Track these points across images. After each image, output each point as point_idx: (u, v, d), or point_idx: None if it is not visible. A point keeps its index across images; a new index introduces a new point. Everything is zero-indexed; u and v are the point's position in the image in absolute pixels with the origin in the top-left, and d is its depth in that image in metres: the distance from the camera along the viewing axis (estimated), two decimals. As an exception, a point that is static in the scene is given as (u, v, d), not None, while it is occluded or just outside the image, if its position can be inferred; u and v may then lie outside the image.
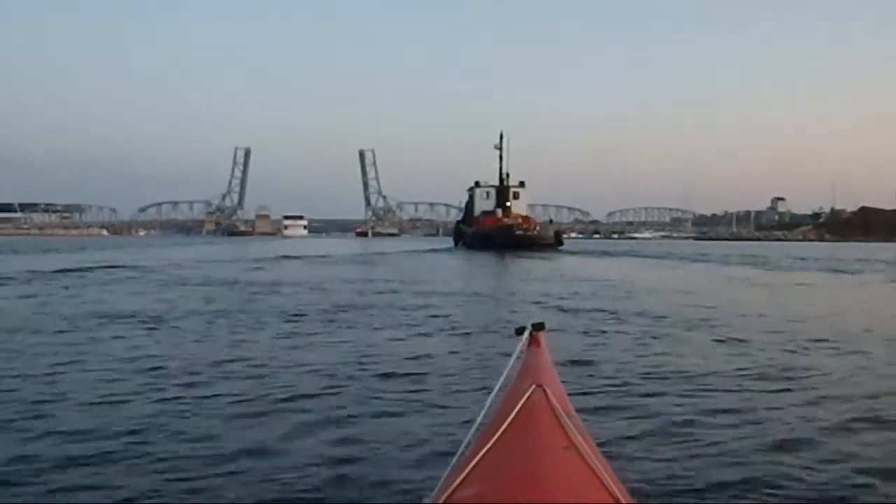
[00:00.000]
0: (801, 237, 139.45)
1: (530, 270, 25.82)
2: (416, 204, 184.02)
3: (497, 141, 55.44)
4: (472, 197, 58.42)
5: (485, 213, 54.24)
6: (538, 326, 2.53)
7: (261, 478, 3.72)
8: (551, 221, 65.29)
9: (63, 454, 3.97)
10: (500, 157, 55.35)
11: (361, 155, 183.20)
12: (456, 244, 56.84)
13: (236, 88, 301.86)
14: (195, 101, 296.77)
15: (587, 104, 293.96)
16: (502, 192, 54.68)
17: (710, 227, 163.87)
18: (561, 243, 50.42)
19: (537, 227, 51.49)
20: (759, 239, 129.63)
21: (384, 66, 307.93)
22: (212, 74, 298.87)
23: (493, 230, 48.95)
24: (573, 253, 43.50)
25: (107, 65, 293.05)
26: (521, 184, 56.64)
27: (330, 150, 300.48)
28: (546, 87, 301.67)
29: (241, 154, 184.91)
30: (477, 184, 57.93)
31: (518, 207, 54.31)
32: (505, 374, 2.21)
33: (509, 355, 2.26)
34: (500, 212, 52.67)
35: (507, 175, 55.33)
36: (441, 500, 1.56)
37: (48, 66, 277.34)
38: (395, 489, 3.62)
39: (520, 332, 2.51)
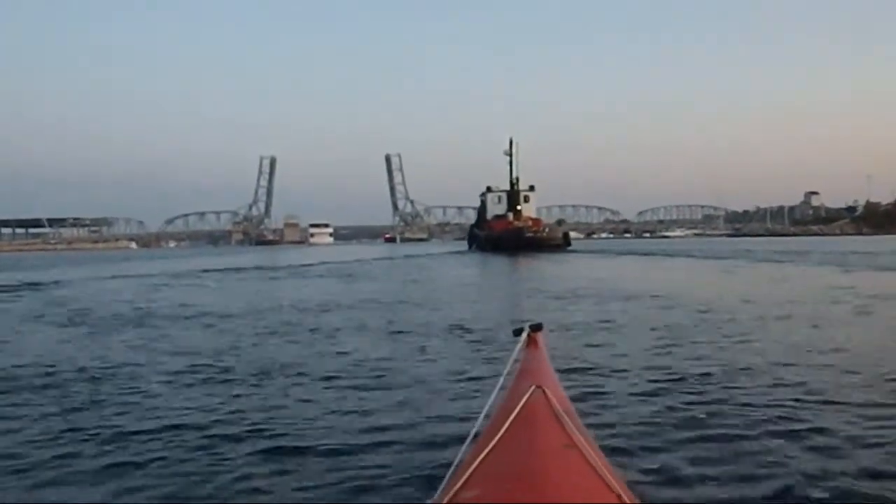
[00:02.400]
0: (838, 231, 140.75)
1: (537, 268, 30.23)
2: (445, 208, 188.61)
3: (507, 147, 61.15)
4: (484, 202, 63.89)
5: (496, 216, 59.46)
6: (536, 327, 2.66)
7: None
8: (560, 223, 70.73)
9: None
10: (511, 163, 60.92)
11: (388, 159, 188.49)
12: (470, 247, 62.33)
13: (260, 97, 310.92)
14: (218, 110, 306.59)
15: (615, 101, 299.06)
16: (513, 196, 59.99)
17: (743, 224, 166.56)
18: (569, 244, 55.59)
19: (546, 229, 56.84)
20: (795, 234, 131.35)
21: (409, 70, 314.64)
22: (234, 83, 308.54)
23: (504, 233, 53.93)
24: (580, 252, 47.88)
25: (130, 78, 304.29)
26: (531, 188, 62.04)
27: (357, 156, 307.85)
28: (573, 85, 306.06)
29: (266, 163, 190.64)
30: (489, 189, 63.42)
31: (528, 210, 59.56)
32: (504, 375, 2.33)
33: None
34: (511, 215, 57.79)
35: (518, 180, 60.82)
36: (444, 501, 1.61)
37: (72, 82, 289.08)
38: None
39: (518, 333, 2.64)
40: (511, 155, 60.84)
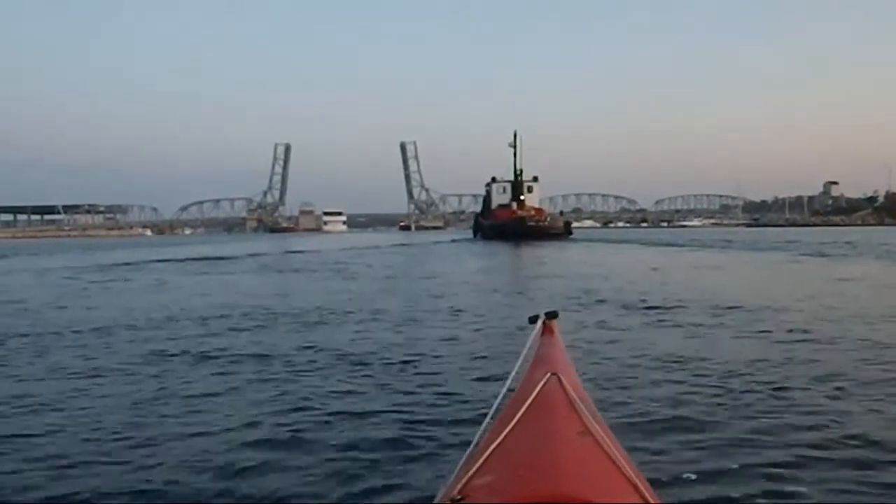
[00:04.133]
0: (859, 222, 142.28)
1: (538, 255, 32.90)
2: (460, 196, 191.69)
3: (511, 140, 65.54)
4: (489, 191, 68.30)
5: (501, 206, 63.68)
6: (551, 315, 2.72)
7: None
8: (562, 213, 75.00)
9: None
10: (515, 155, 65.21)
11: (403, 147, 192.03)
12: (475, 235, 66.52)
13: (274, 84, 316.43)
14: (232, 97, 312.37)
15: (633, 90, 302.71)
16: (517, 186, 64.19)
17: (761, 214, 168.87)
18: (570, 233, 59.82)
19: (548, 219, 61.17)
20: (815, 225, 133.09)
21: (425, 56, 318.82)
22: (249, 70, 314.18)
23: (508, 221, 57.90)
24: (580, 241, 51.24)
25: (146, 65, 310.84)
26: (535, 178, 66.23)
27: (372, 144, 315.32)
28: (591, 74, 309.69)
29: (281, 150, 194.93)
30: (494, 179, 67.75)
31: (531, 200, 63.70)
32: (519, 362, 2.38)
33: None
34: (514, 205, 61.84)
35: (521, 171, 65.11)
36: (457, 489, 1.62)
37: (88, 69, 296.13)
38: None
39: (533, 320, 2.70)
40: (515, 147, 65.24)
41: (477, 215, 73.76)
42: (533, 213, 60.58)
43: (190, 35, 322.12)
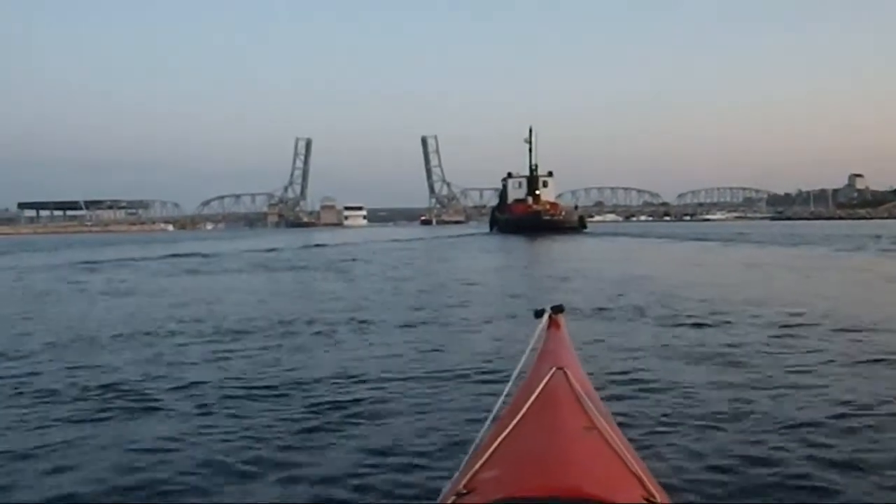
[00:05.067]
0: (885, 214, 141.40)
1: (551, 248, 35.66)
2: (482, 190, 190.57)
3: (527, 136, 68.05)
4: (505, 186, 70.99)
5: (517, 200, 66.15)
6: (557, 309, 2.78)
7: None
8: (576, 207, 77.20)
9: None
10: (530, 150, 67.58)
11: (424, 141, 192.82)
12: (491, 229, 69.31)
13: (294, 79, 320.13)
14: (254, 92, 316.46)
15: (656, 83, 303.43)
16: (532, 181, 66.65)
17: (785, 207, 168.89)
18: (584, 227, 62.12)
19: (563, 213, 63.67)
20: (841, 218, 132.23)
21: (448, 49, 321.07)
22: (269, 65, 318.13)
23: (523, 216, 60.45)
24: (593, 234, 54.11)
25: (168, 60, 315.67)
26: (550, 173, 68.62)
27: (393, 138, 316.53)
28: (614, 68, 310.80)
29: (302, 145, 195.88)
30: (510, 174, 70.47)
31: (546, 195, 66.03)
32: (525, 357, 2.42)
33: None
34: (530, 199, 64.35)
35: (536, 166, 67.53)
36: (463, 483, 1.65)
37: (110, 66, 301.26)
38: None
39: (539, 314, 2.76)
40: (530, 143, 67.71)
41: (493, 209, 76.53)
42: (548, 207, 62.94)
43: (212, 30, 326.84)
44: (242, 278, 19.47)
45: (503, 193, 72.10)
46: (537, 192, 65.56)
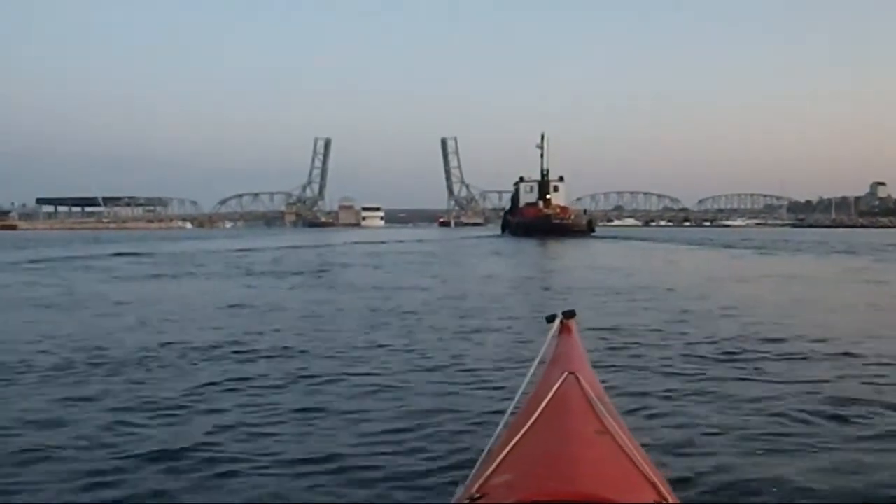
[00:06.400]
0: None
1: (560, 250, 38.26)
2: (500, 193, 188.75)
3: (539, 141, 71.95)
4: (517, 190, 74.93)
5: (528, 204, 69.66)
6: (569, 314, 2.81)
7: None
8: (585, 212, 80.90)
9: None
10: (542, 156, 71.55)
11: (443, 143, 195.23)
12: (503, 231, 73.18)
13: (314, 78, 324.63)
14: (274, 91, 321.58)
15: (676, 89, 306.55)
16: (543, 185, 70.45)
17: (806, 214, 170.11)
18: (593, 230, 65.43)
19: (572, 217, 67.05)
20: (863, 226, 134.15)
21: (468, 51, 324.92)
22: (290, 65, 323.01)
23: (534, 219, 63.88)
24: (601, 238, 57.00)
25: (186, 57, 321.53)
26: (561, 178, 72.47)
27: (414, 138, 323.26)
28: (633, 71, 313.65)
29: (321, 144, 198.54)
30: (521, 179, 74.47)
31: (557, 199, 69.56)
32: (536, 362, 2.44)
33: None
34: (541, 203, 67.77)
35: (548, 171, 71.46)
36: (476, 488, 1.68)
37: (128, 64, 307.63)
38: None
39: (550, 319, 2.77)
40: (542, 148, 71.63)
41: (505, 213, 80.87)
42: (558, 211, 66.36)
43: (231, 28, 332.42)
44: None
45: (515, 197, 76.04)
46: (548, 196, 69.13)
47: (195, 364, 7.19)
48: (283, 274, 20.82)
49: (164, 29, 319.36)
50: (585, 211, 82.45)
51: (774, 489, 3.76)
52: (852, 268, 22.44)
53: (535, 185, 71.62)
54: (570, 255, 34.42)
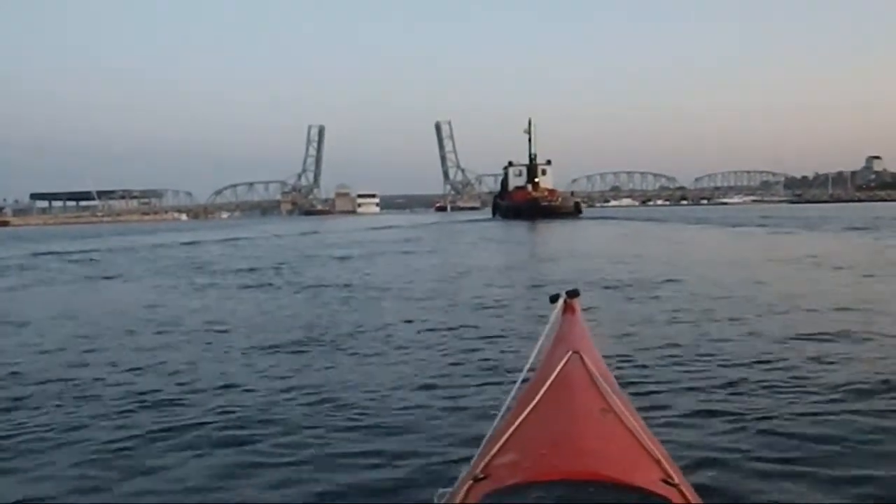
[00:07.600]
0: None
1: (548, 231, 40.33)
2: (496, 176, 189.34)
3: (526, 126, 74.82)
4: (506, 174, 77.91)
5: (517, 188, 72.64)
6: (573, 293, 2.83)
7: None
8: (573, 194, 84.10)
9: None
10: (529, 140, 74.27)
11: (438, 127, 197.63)
12: (493, 215, 76.22)
13: (308, 66, 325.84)
14: (266, 80, 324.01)
15: (670, 67, 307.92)
16: (532, 169, 73.34)
17: (803, 190, 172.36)
18: (580, 212, 68.13)
19: (560, 199, 69.91)
20: (861, 200, 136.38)
21: (462, 35, 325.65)
22: (283, 53, 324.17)
23: (522, 202, 66.55)
24: (587, 219, 59.39)
25: (178, 51, 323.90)
26: (548, 162, 75.34)
27: (408, 124, 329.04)
28: (628, 51, 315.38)
29: (314, 132, 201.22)
30: (510, 163, 77.42)
31: (545, 182, 72.57)
32: (540, 342, 2.47)
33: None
34: (529, 187, 70.70)
35: (536, 155, 74.24)
36: (481, 467, 1.71)
37: (122, 57, 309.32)
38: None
39: (554, 299, 2.78)
40: (529, 133, 74.49)
41: (496, 196, 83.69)
42: (546, 194, 69.17)
43: (223, 19, 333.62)
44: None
45: (504, 181, 78.95)
46: (536, 179, 72.14)
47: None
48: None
49: (160, 25, 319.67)
50: (573, 193, 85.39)
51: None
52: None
53: (524, 170, 74.53)
54: (556, 236, 36.50)
